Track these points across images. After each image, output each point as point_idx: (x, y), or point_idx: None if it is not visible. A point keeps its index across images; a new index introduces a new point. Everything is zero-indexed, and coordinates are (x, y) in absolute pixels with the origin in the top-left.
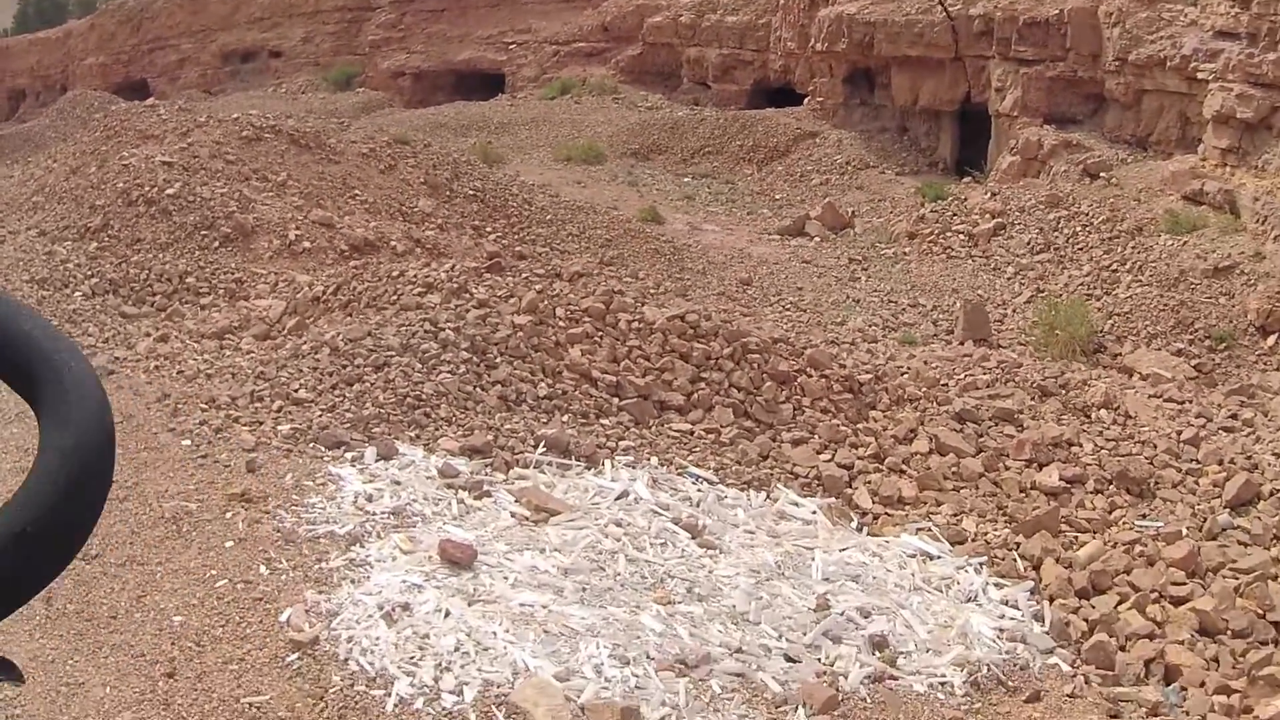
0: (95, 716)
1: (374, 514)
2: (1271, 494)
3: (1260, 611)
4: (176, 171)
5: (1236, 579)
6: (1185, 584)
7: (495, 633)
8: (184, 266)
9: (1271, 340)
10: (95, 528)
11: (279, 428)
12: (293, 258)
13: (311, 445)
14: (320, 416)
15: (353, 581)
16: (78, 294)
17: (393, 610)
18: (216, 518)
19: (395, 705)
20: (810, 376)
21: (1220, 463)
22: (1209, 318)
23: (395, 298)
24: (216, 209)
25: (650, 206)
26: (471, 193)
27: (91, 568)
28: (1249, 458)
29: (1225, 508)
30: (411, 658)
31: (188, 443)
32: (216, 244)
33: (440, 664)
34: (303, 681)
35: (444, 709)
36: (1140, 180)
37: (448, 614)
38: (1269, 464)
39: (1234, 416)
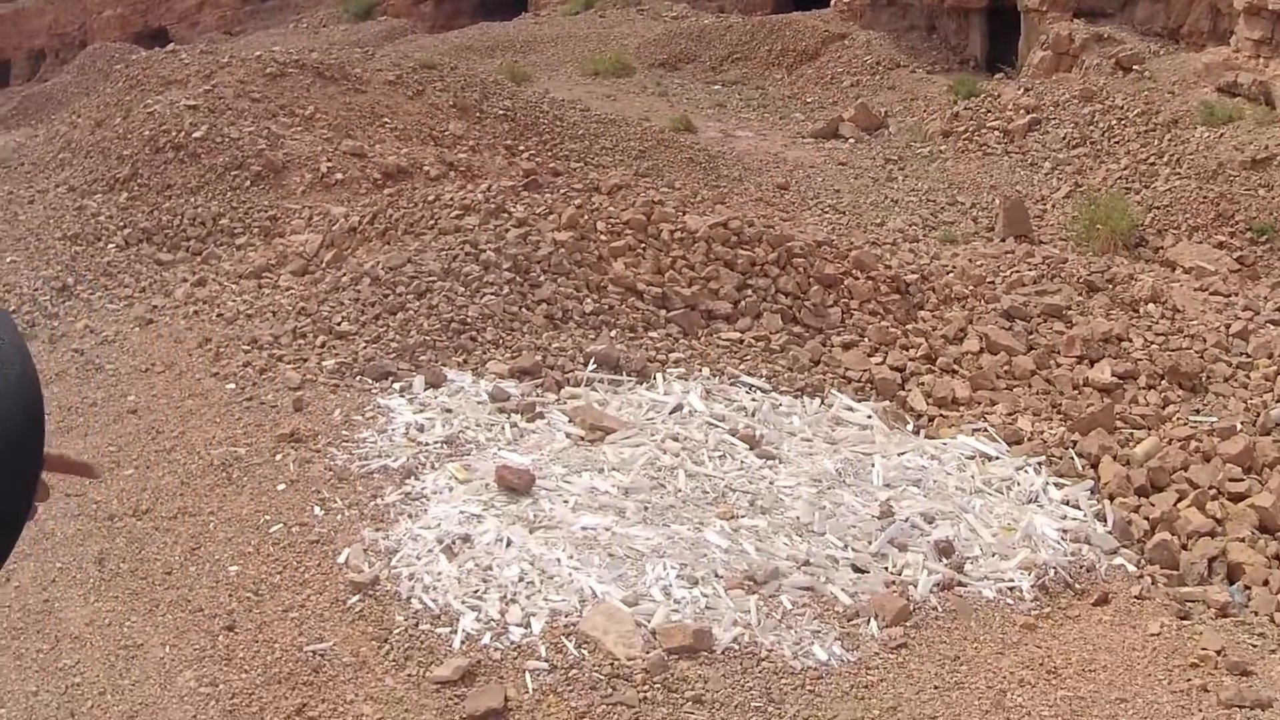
0: (156, 678)
1: (427, 444)
2: None
3: None
4: (202, 114)
5: None
6: (1242, 480)
7: (559, 559)
8: (216, 209)
9: None
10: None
11: (324, 363)
12: (326, 190)
13: (358, 379)
14: (365, 348)
15: (410, 516)
16: (111, 246)
17: (453, 543)
18: (266, 461)
19: (462, 642)
20: (857, 279)
21: (1270, 356)
22: (1249, 210)
23: (433, 222)
24: (245, 148)
25: (682, 116)
26: (501, 113)
27: (143, 524)
28: None
29: (1278, 401)
30: (475, 591)
31: (232, 386)
32: (248, 183)
33: (505, 596)
34: (365, 624)
35: (512, 642)
36: (1173, 73)
37: (509, 543)
38: None
39: None
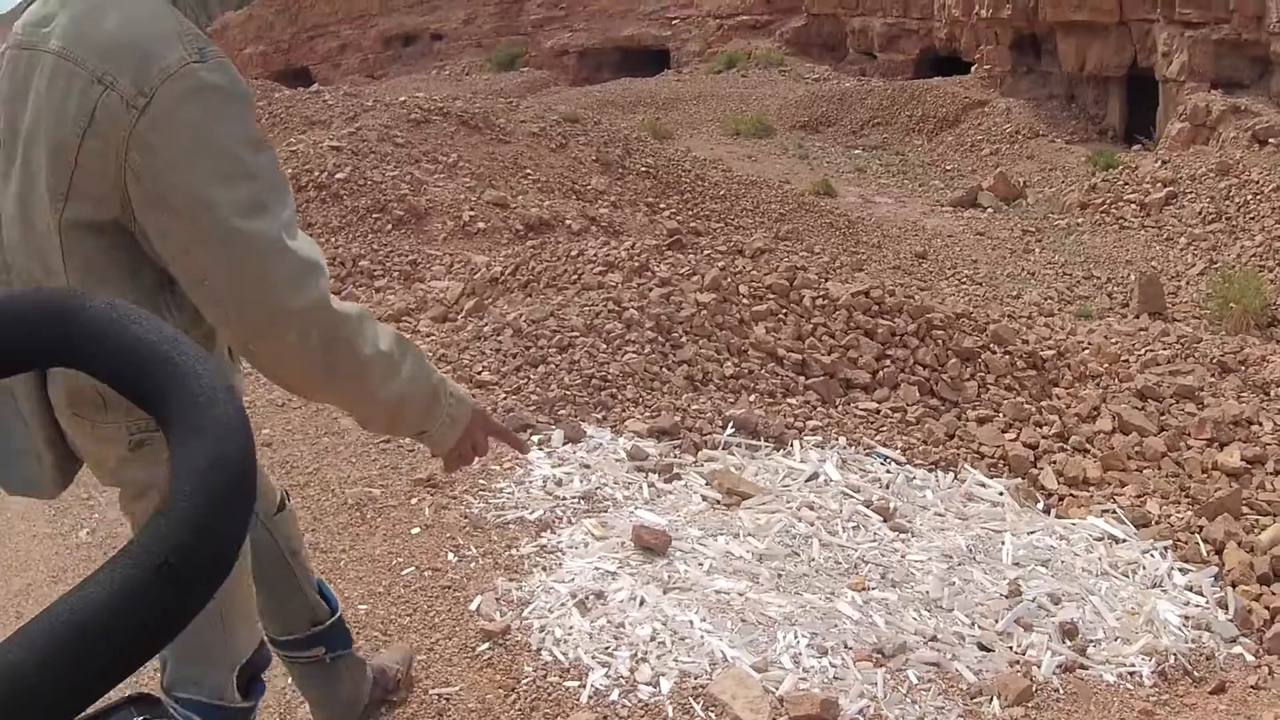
0: (278, 709)
1: (564, 499)
2: None
3: None
4: (345, 156)
5: None
6: None
7: (691, 621)
8: (357, 250)
9: None
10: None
11: None
12: (467, 238)
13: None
14: (505, 399)
15: (544, 569)
16: None
17: (586, 598)
18: (401, 504)
19: (590, 696)
20: (994, 353)
21: None
22: None
23: (576, 276)
24: (388, 192)
25: (822, 179)
26: (644, 169)
27: None
28: None
29: None
30: (606, 647)
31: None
32: (389, 227)
33: (636, 654)
34: (493, 672)
35: (640, 700)
36: None
37: (643, 602)
38: None
39: None
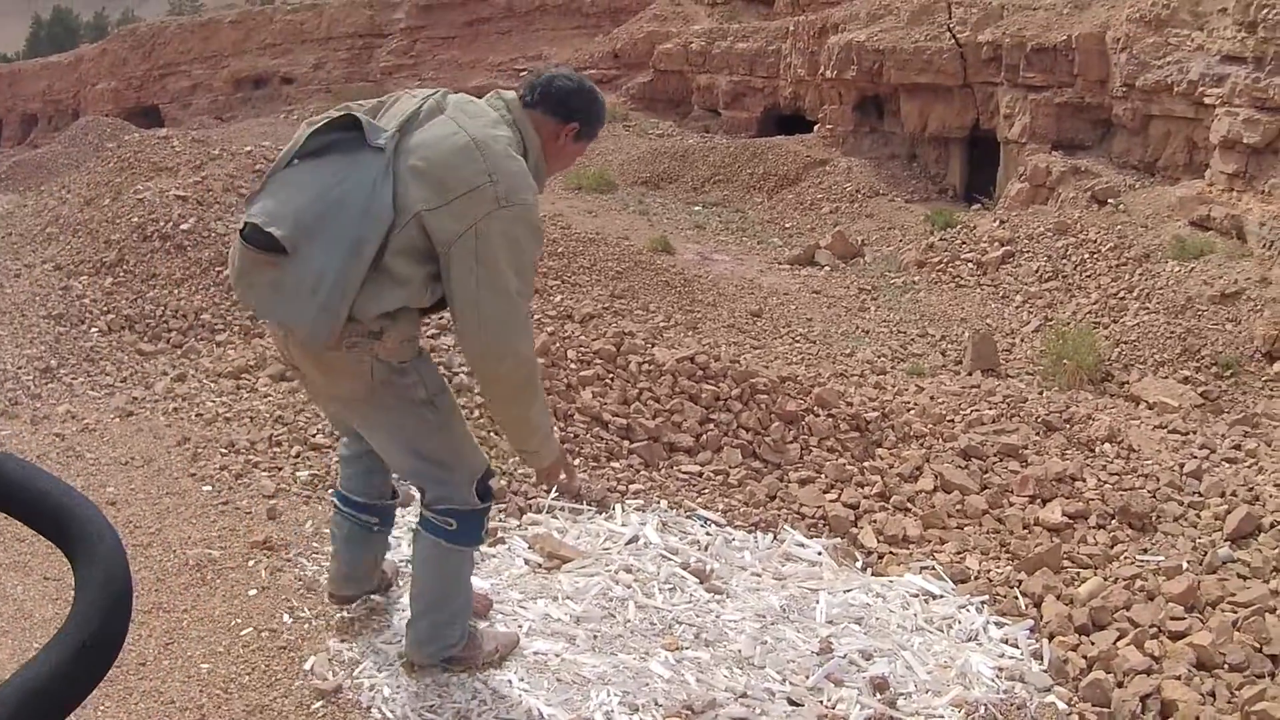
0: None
1: (392, 562)
2: (1272, 526)
3: (1257, 645)
4: (191, 206)
5: (1235, 613)
6: (1184, 619)
7: (510, 680)
8: (199, 303)
9: (1277, 366)
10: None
11: (298, 474)
12: None
13: (329, 491)
14: (337, 463)
15: (374, 630)
16: (94, 331)
17: None
18: (240, 565)
19: None
20: (818, 416)
21: (1222, 495)
22: (1215, 344)
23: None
24: (231, 244)
25: (661, 236)
26: None
27: None
28: (1250, 489)
29: (1226, 541)
30: (431, 705)
31: (209, 488)
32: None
33: (459, 712)
34: None
35: None
36: (1147, 206)
37: None
38: (1270, 495)
39: (1237, 447)
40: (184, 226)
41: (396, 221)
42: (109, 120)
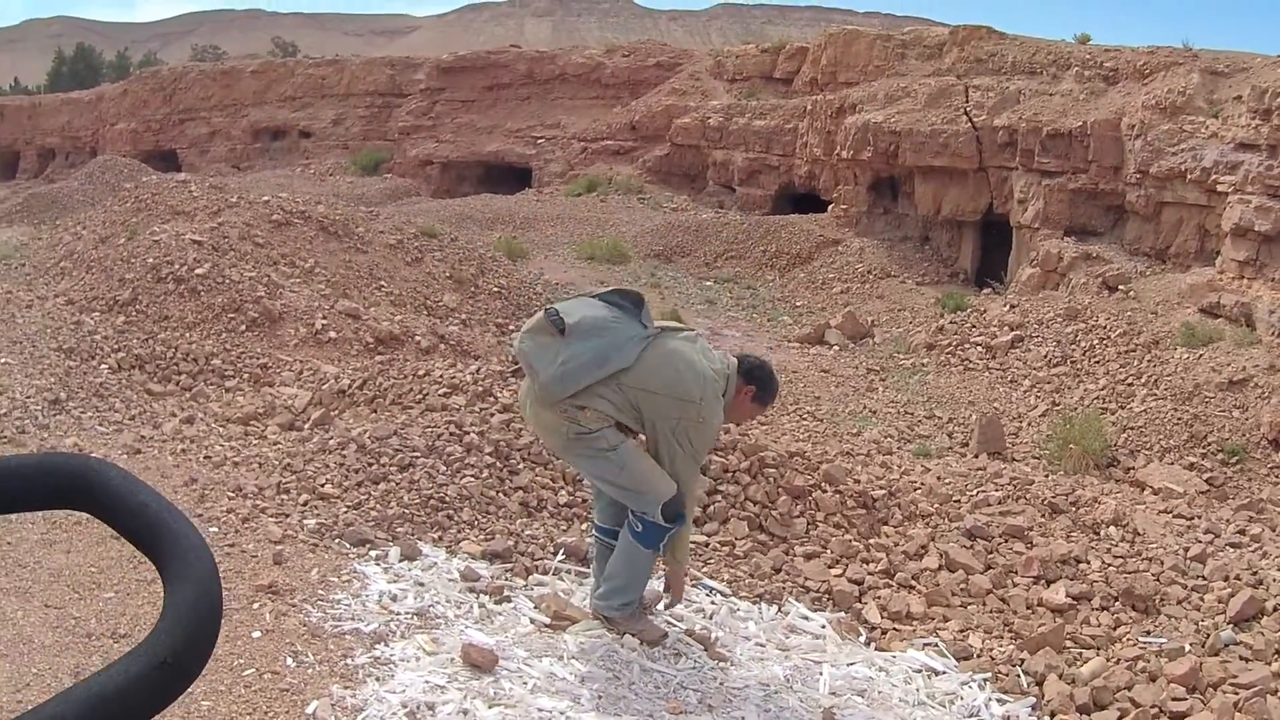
0: None
1: (398, 614)
2: (1275, 609)
3: None
4: (206, 251)
5: (1236, 694)
6: (1185, 700)
7: None
8: (210, 348)
9: None
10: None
11: (305, 521)
12: (318, 346)
13: (337, 541)
14: (346, 513)
15: (378, 679)
16: (104, 367)
17: (417, 709)
18: (244, 608)
19: None
20: (825, 492)
21: (1225, 579)
22: (1222, 431)
23: (421, 396)
24: (245, 292)
25: (672, 310)
26: (496, 289)
27: (120, 646)
28: (1254, 573)
29: (1229, 623)
30: None
31: (215, 530)
32: (243, 327)
33: None
34: None
35: None
36: (1158, 293)
37: (468, 714)
38: (1274, 579)
39: (1241, 532)
40: (199, 271)
41: (630, 370)
42: (127, 160)
